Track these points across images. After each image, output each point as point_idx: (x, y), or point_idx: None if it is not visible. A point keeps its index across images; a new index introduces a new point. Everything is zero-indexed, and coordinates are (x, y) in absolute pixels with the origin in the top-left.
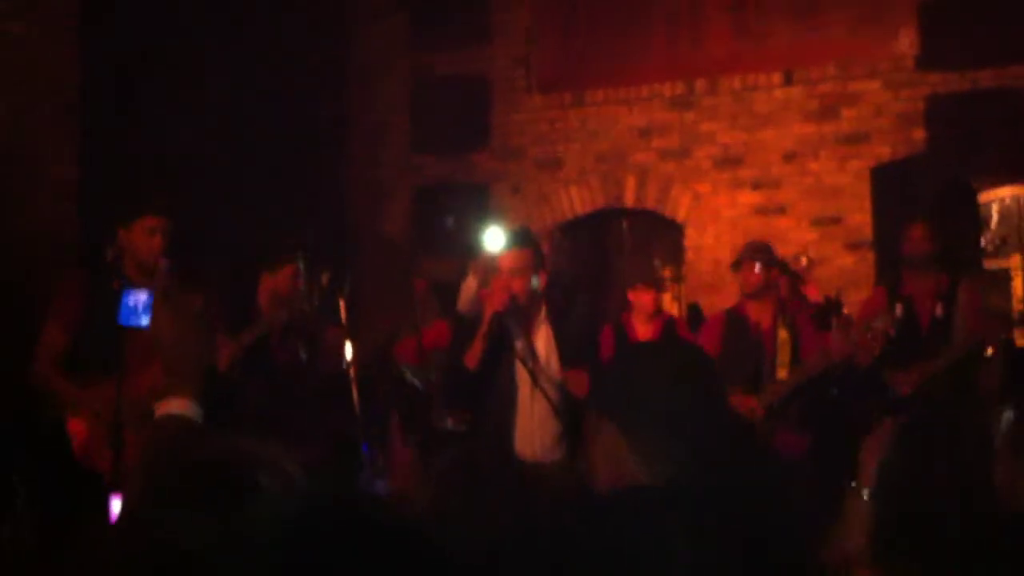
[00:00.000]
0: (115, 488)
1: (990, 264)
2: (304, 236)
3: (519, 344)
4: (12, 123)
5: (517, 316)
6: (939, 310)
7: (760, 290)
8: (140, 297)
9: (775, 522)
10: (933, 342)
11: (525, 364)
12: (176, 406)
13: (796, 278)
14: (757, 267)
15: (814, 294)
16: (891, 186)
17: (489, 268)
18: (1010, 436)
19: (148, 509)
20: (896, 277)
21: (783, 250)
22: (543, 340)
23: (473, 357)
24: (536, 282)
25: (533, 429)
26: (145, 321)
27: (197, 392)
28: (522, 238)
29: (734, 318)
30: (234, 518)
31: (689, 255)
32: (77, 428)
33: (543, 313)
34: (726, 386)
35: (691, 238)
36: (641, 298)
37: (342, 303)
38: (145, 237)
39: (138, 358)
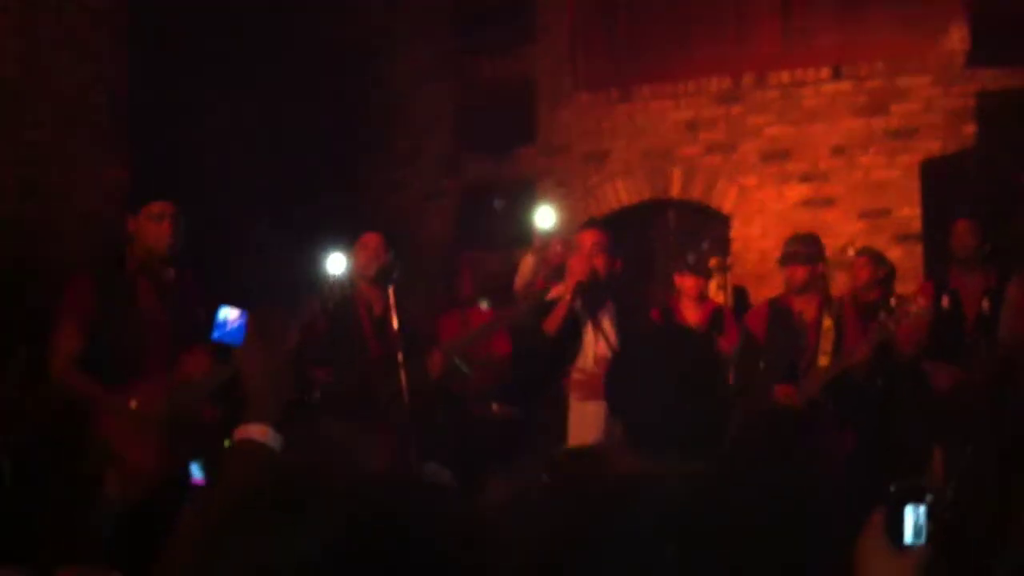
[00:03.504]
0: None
1: None
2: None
3: (595, 319)
4: (62, 124)
5: (596, 291)
6: (986, 305)
7: (804, 287)
8: (232, 314)
9: (797, 519)
10: (978, 338)
11: (603, 336)
12: (256, 432)
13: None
14: (800, 269)
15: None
16: (941, 181)
17: (545, 245)
18: None
19: (231, 531)
20: (944, 272)
21: (831, 242)
22: (607, 323)
23: (553, 323)
24: (613, 266)
25: (585, 416)
26: (239, 339)
27: (277, 421)
28: (600, 224)
29: (778, 308)
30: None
31: (735, 246)
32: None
33: (608, 301)
34: (727, 372)
35: (737, 230)
36: (685, 283)
37: (391, 293)
38: (152, 223)
39: (159, 357)
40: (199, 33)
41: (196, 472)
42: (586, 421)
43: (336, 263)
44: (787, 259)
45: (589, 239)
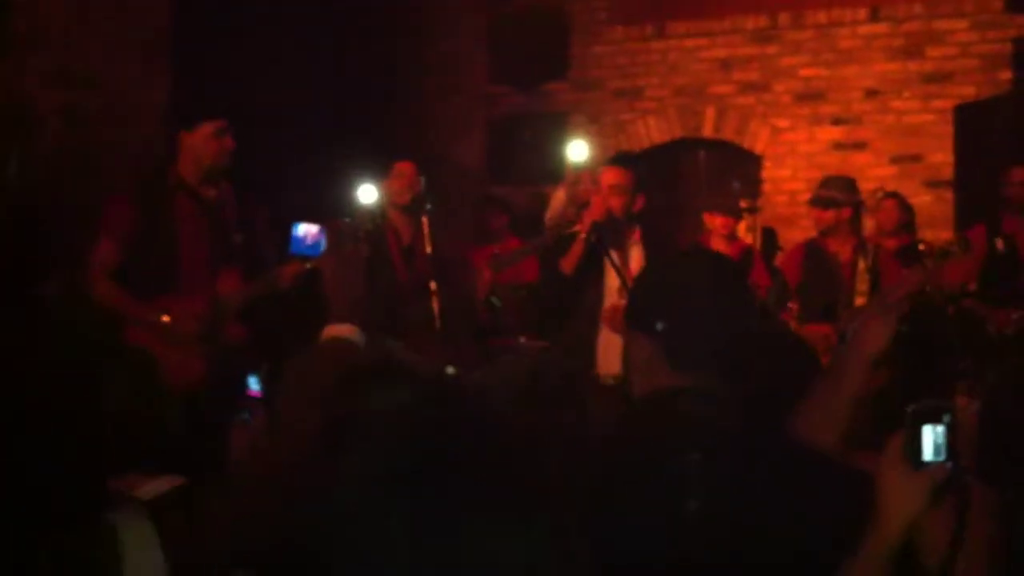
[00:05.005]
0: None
1: None
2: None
3: (613, 255)
4: (104, 50)
5: (614, 230)
6: None
7: (832, 228)
8: (311, 230)
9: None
10: None
11: (618, 272)
12: (345, 331)
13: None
14: (827, 211)
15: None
16: (974, 127)
17: (577, 180)
18: None
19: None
20: (995, 218)
21: (863, 186)
22: (635, 261)
23: (570, 262)
24: (635, 203)
25: (612, 349)
26: (317, 252)
27: (358, 321)
28: (626, 159)
29: (813, 249)
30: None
31: (766, 187)
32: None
33: (637, 235)
34: (756, 294)
35: (768, 170)
36: (715, 221)
37: (425, 222)
38: (212, 140)
39: (196, 272)
40: None
41: (254, 385)
42: (612, 352)
43: (367, 193)
44: (815, 201)
45: (607, 179)
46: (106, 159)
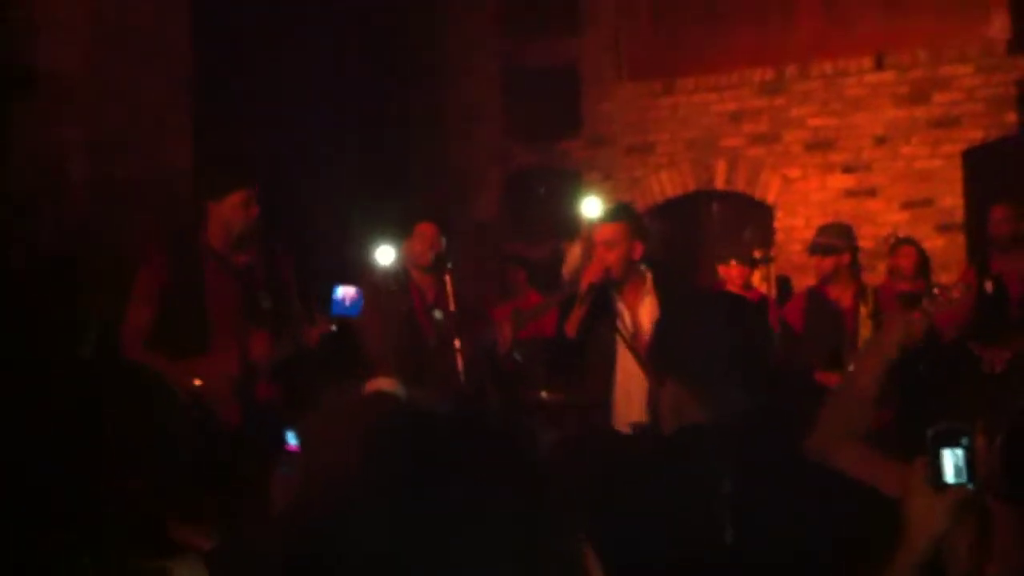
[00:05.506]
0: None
1: None
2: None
3: (616, 314)
4: (128, 114)
5: (613, 288)
6: None
7: (831, 275)
8: (349, 292)
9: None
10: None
11: (621, 334)
12: (386, 384)
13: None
14: (826, 259)
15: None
16: (983, 169)
17: (591, 237)
18: None
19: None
20: (984, 257)
21: (874, 231)
22: (647, 309)
23: (572, 325)
24: (633, 253)
25: (629, 399)
26: (356, 311)
27: (398, 375)
28: (616, 212)
29: (815, 296)
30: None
31: (779, 236)
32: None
33: (648, 283)
34: (773, 331)
35: (781, 220)
36: (730, 272)
37: (449, 281)
38: (240, 210)
39: (226, 337)
40: (256, 19)
41: (291, 439)
42: (632, 403)
43: (385, 254)
44: (814, 249)
45: (598, 237)
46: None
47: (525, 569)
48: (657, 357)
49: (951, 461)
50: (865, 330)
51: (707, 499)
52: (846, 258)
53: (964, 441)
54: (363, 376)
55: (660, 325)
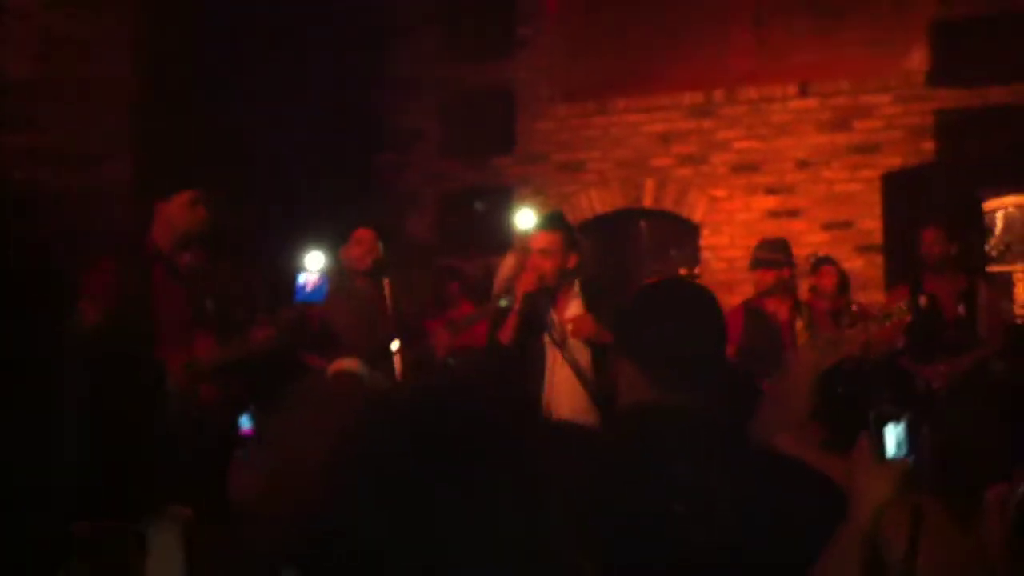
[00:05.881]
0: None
1: (994, 270)
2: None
3: (548, 322)
4: (70, 125)
5: (547, 296)
6: (962, 309)
7: (772, 289)
8: (311, 278)
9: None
10: (957, 339)
11: (554, 341)
12: (349, 364)
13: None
14: (769, 272)
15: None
16: (901, 194)
17: (526, 247)
18: None
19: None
20: (916, 278)
21: (796, 251)
22: (572, 311)
23: (506, 334)
24: (567, 263)
25: (561, 403)
26: (320, 297)
27: (364, 356)
28: (552, 221)
29: (752, 310)
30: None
31: (705, 255)
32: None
33: (576, 288)
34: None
35: (707, 239)
36: None
37: (387, 285)
38: (187, 209)
39: (172, 340)
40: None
41: (245, 423)
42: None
43: (315, 260)
44: (756, 263)
45: (536, 245)
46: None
47: (521, 560)
48: (615, 339)
49: (892, 437)
50: (802, 342)
51: (662, 476)
52: (786, 272)
53: (904, 418)
54: (330, 357)
55: (619, 309)
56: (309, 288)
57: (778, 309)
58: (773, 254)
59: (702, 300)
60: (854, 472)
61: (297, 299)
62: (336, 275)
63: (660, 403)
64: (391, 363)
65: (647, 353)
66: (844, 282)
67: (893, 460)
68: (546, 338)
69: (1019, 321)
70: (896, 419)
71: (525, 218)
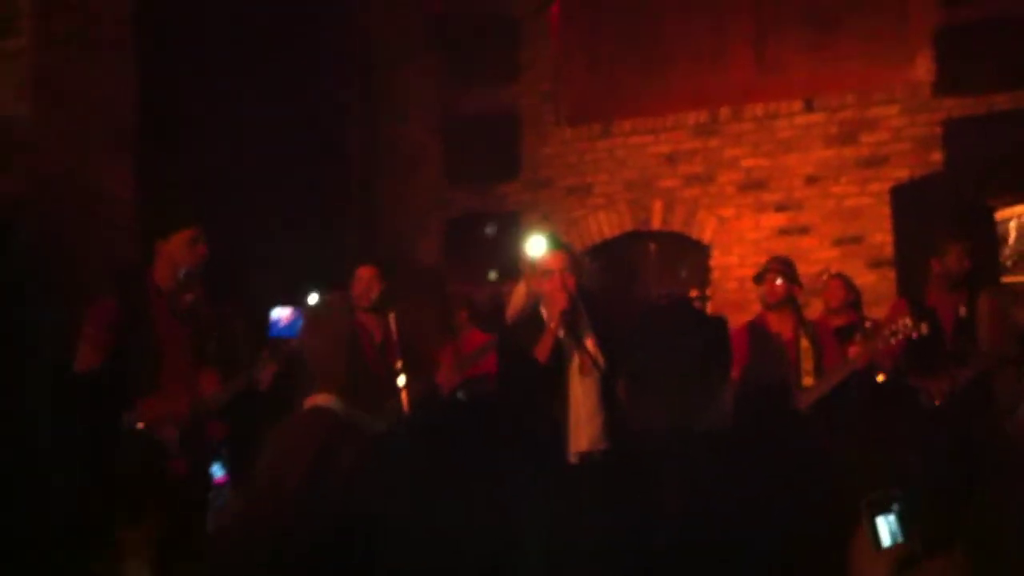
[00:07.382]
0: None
1: (1007, 280)
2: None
3: (582, 338)
4: (68, 148)
5: (576, 311)
6: (962, 312)
7: (781, 302)
8: (284, 312)
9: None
10: (957, 351)
11: (590, 357)
12: (323, 399)
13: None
14: (779, 280)
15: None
16: (911, 206)
17: (539, 271)
18: None
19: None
20: (920, 291)
21: (806, 268)
22: (588, 339)
23: (543, 351)
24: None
25: (583, 421)
26: (293, 332)
27: (340, 391)
28: (557, 241)
29: (756, 329)
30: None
31: (715, 275)
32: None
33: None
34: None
35: (716, 259)
36: None
37: (392, 320)
38: (188, 247)
39: (175, 376)
40: (197, 62)
41: (218, 472)
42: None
43: (311, 298)
44: (764, 273)
45: (556, 264)
46: (79, 257)
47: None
48: (629, 363)
49: (885, 527)
50: (807, 362)
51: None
52: (796, 288)
53: (895, 507)
54: (306, 392)
55: (626, 334)
56: (283, 323)
57: (782, 328)
58: (782, 265)
59: (707, 322)
60: (852, 559)
61: (271, 335)
62: (323, 309)
63: (671, 426)
64: (398, 399)
65: (657, 374)
66: (856, 298)
67: (888, 549)
68: (572, 360)
69: None
70: (887, 508)
71: (536, 244)
